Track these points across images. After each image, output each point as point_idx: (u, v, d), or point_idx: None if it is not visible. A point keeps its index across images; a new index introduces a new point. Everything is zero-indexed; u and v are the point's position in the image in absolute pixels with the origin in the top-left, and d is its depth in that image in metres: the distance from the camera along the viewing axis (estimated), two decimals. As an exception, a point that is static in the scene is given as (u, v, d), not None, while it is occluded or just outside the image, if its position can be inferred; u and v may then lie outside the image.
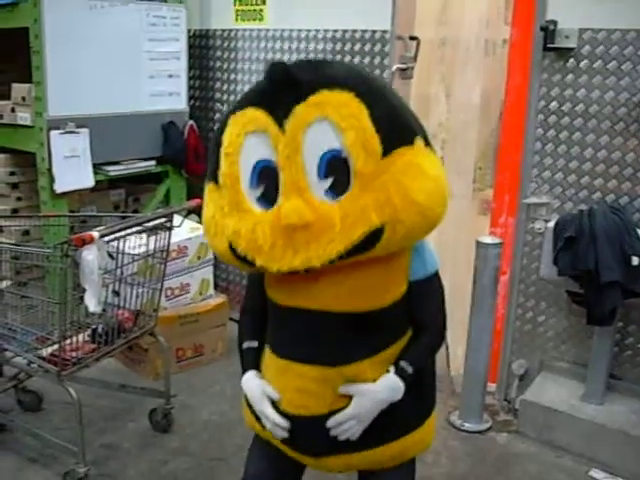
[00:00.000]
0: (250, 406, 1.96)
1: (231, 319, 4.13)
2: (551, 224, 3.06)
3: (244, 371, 1.94)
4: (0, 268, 3.16)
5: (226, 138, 1.72)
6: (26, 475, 2.94)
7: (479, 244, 3.19)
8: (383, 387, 1.80)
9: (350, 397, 1.81)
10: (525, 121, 3.29)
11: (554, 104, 3.18)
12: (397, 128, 1.65)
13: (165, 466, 3.04)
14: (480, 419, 3.41)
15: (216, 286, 4.28)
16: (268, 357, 1.92)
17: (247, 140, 1.68)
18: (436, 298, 1.91)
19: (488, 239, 3.21)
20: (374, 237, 1.61)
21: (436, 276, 1.88)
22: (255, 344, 1.96)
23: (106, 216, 3.46)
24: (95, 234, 2.49)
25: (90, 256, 2.45)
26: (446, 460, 3.13)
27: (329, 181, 1.63)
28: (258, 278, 1.94)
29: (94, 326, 2.96)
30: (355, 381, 1.80)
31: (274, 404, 1.88)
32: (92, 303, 2.50)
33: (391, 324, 1.84)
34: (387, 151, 1.61)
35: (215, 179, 1.75)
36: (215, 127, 4.51)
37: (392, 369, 1.82)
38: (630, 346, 3.20)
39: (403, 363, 1.82)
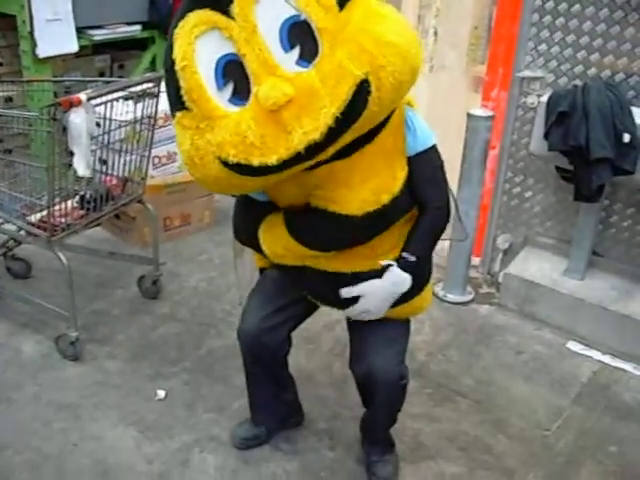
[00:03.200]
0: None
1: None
2: (544, 98, 3.01)
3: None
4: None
5: (177, 53, 1.62)
6: (18, 339, 3.00)
7: (470, 116, 3.15)
8: (388, 283, 1.91)
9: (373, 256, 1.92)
10: (524, -9, 3.18)
11: (554, -27, 3.07)
12: None
13: (154, 331, 3.11)
14: (463, 291, 3.49)
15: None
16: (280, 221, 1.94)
17: (199, 44, 1.60)
18: (433, 172, 1.94)
19: (479, 111, 3.18)
20: (362, 90, 1.56)
21: (432, 150, 1.90)
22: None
23: (91, 81, 3.37)
24: (83, 96, 2.44)
25: (78, 119, 2.41)
26: (429, 329, 3.22)
27: (296, 51, 1.58)
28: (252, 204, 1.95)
29: (82, 192, 2.95)
30: (371, 255, 1.92)
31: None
32: (81, 166, 2.47)
33: (402, 205, 1.89)
34: (342, 4, 1.57)
35: (181, 104, 1.65)
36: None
37: (394, 263, 1.91)
38: (614, 224, 3.24)
39: (405, 254, 1.92)
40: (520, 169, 3.43)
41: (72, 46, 3.72)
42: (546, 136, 2.96)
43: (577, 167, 2.93)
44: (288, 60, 1.57)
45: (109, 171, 3.08)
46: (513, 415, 2.72)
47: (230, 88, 1.61)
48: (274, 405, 2.44)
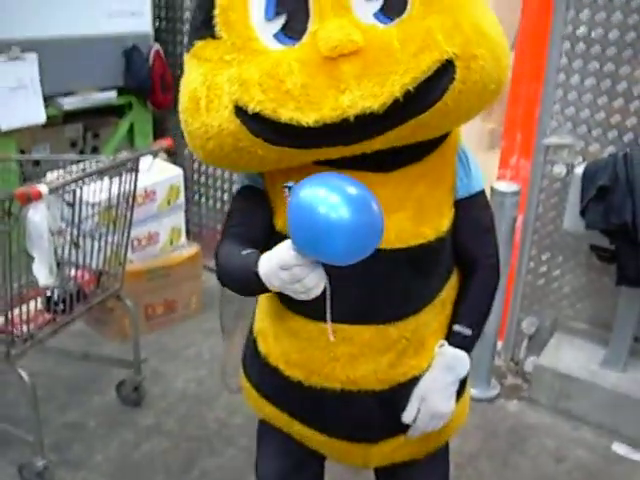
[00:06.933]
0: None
1: (206, 268, 3.74)
2: (579, 170, 2.65)
3: (255, 264, 1.22)
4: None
5: None
6: (-26, 464, 2.55)
7: (494, 192, 2.78)
8: (442, 370, 1.45)
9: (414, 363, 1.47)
10: (547, 49, 2.84)
11: (583, 30, 2.72)
12: None
13: (137, 449, 2.65)
14: (488, 385, 3.07)
15: (187, 232, 3.83)
16: (291, 323, 1.48)
17: None
18: (489, 219, 1.53)
19: (504, 186, 2.81)
20: (447, 72, 1.21)
21: (484, 194, 1.50)
22: (255, 252, 1.28)
23: (61, 159, 2.96)
24: (43, 189, 2.01)
25: (37, 217, 1.98)
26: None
27: (379, 1, 1.23)
28: (257, 199, 1.42)
29: (49, 293, 2.51)
30: (419, 339, 1.46)
31: (297, 384, 1.49)
32: (42, 274, 2.05)
33: (445, 257, 1.48)
34: None
35: (208, 29, 1.27)
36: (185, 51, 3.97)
37: (445, 342, 1.47)
38: (657, 305, 2.86)
39: (458, 327, 1.48)
40: (547, 245, 3.05)
41: (39, 117, 3.32)
42: (583, 213, 2.60)
43: (621, 248, 2.57)
44: (365, 8, 1.22)
45: (81, 261, 2.66)
46: None
47: (280, 22, 1.24)
48: None
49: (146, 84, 3.72)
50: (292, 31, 1.23)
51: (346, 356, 1.43)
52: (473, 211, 1.47)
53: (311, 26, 1.21)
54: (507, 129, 3.18)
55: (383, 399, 1.48)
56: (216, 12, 1.25)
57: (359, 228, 1.06)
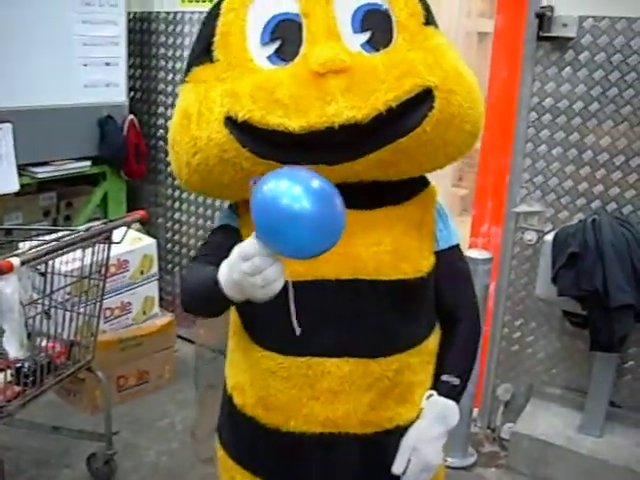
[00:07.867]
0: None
1: (179, 337, 3.71)
2: (549, 237, 2.70)
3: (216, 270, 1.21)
4: None
5: None
6: None
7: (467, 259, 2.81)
8: (434, 419, 1.44)
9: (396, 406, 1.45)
10: (515, 120, 2.92)
11: (549, 101, 2.82)
12: (432, 14, 1.44)
13: (107, 526, 2.59)
14: (465, 453, 3.04)
15: (161, 301, 3.80)
16: (268, 363, 1.44)
17: None
18: (465, 273, 1.58)
19: (476, 253, 2.84)
20: (427, 98, 1.30)
21: (460, 248, 1.56)
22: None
23: (34, 229, 2.97)
24: (15, 261, 1.99)
25: (8, 289, 1.96)
26: (431, 505, 2.76)
27: (366, 35, 1.34)
28: (231, 235, 1.42)
29: (19, 364, 2.46)
30: (404, 383, 1.44)
31: (275, 433, 1.45)
32: (13, 347, 2.01)
33: (428, 301, 1.49)
34: (428, 21, 1.40)
35: (207, 54, 1.37)
36: (159, 122, 4.03)
37: (434, 392, 1.46)
38: (631, 370, 2.88)
39: (446, 377, 1.48)
40: (520, 312, 3.07)
41: (12, 186, 3.31)
42: (555, 280, 2.63)
43: (593, 314, 2.59)
44: (353, 39, 1.33)
45: (52, 332, 2.62)
46: None
47: (274, 46, 1.33)
48: None
49: (120, 154, 3.73)
50: (285, 54, 1.32)
51: (325, 393, 1.40)
52: (453, 261, 1.51)
53: (303, 50, 1.31)
54: (478, 198, 3.24)
55: (366, 446, 1.44)
56: (215, 39, 1.36)
57: (321, 220, 1.07)
